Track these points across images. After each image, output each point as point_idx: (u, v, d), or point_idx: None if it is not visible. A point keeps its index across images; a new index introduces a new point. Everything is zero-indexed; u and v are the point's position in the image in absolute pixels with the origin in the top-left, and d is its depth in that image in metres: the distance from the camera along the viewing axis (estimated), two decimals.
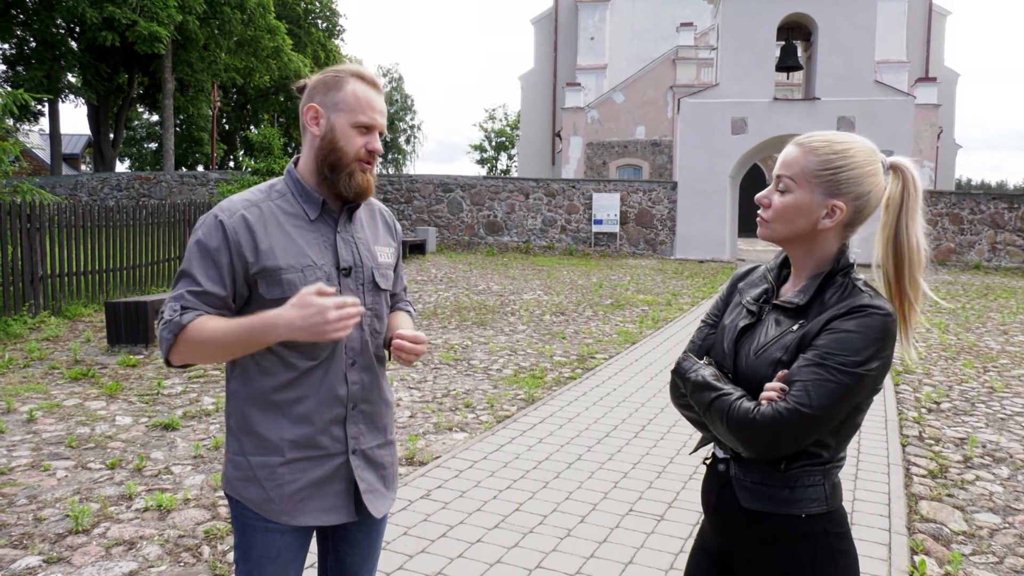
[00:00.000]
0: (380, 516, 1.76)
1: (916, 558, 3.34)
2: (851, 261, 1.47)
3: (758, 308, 1.54)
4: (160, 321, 1.59)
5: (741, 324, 1.53)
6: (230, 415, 1.71)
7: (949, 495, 4.16)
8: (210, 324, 1.54)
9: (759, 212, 1.52)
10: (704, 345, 1.61)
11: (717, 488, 1.54)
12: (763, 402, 1.37)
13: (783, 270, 1.58)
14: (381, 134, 1.71)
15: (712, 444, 1.59)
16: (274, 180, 1.74)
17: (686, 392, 1.52)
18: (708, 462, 1.61)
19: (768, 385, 1.39)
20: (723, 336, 1.57)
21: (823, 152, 1.44)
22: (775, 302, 1.51)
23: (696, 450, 1.70)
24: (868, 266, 1.52)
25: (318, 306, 1.45)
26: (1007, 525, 3.78)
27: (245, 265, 1.60)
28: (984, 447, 5.02)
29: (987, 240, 19.13)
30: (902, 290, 1.46)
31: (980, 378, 7.08)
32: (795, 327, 1.43)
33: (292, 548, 1.71)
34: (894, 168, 1.47)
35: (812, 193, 1.44)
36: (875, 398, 5.16)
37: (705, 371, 1.49)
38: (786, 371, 1.39)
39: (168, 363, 1.61)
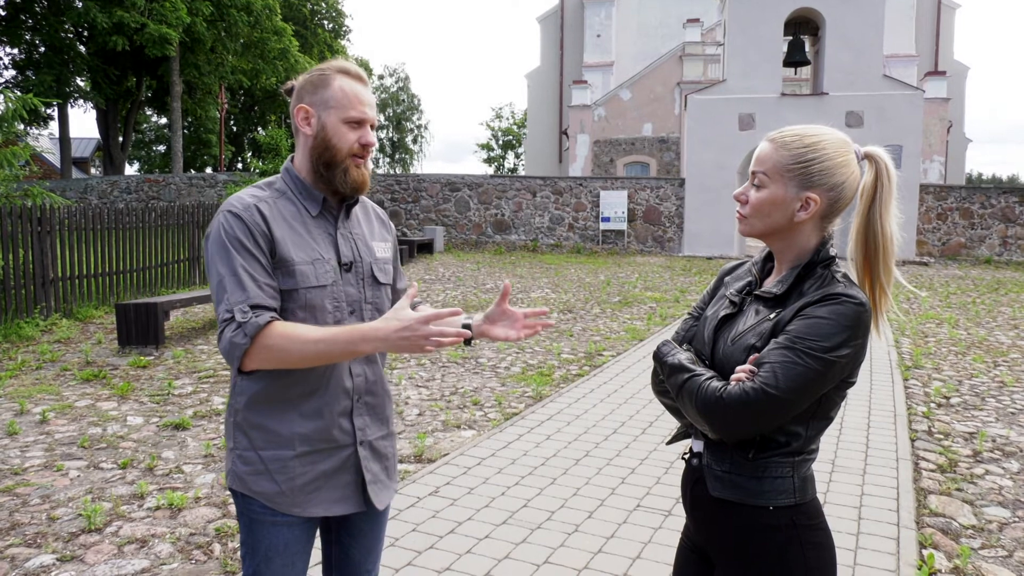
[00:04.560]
0: (383, 507, 1.79)
1: (925, 552, 3.34)
2: (832, 254, 1.49)
3: (740, 299, 1.57)
4: (226, 327, 1.54)
5: (722, 314, 1.57)
6: (237, 411, 1.71)
7: (958, 489, 4.15)
8: (298, 329, 1.54)
9: (737, 208, 1.55)
10: (687, 336, 1.65)
11: (692, 482, 1.58)
12: (732, 383, 1.40)
13: (767, 264, 1.61)
14: (373, 126, 1.72)
15: (690, 439, 1.62)
16: (271, 179, 1.76)
17: (664, 376, 1.55)
18: (686, 457, 1.63)
19: (739, 367, 1.42)
20: (705, 325, 1.60)
21: (794, 146, 1.47)
22: (756, 292, 1.55)
23: (671, 441, 1.72)
24: (844, 259, 1.55)
25: (411, 318, 1.48)
26: (1017, 519, 3.77)
27: (271, 249, 1.62)
28: (994, 441, 4.99)
29: (998, 234, 19.00)
30: (874, 278, 1.49)
31: (990, 372, 7.04)
32: (772, 315, 1.46)
33: (299, 540, 1.74)
34: (868, 158, 1.49)
35: (786, 187, 1.47)
36: (884, 393, 5.12)
37: (681, 355, 1.53)
38: (757, 355, 1.41)
39: (240, 371, 1.58)
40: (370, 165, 1.75)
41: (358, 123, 1.68)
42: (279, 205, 1.69)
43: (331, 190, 1.72)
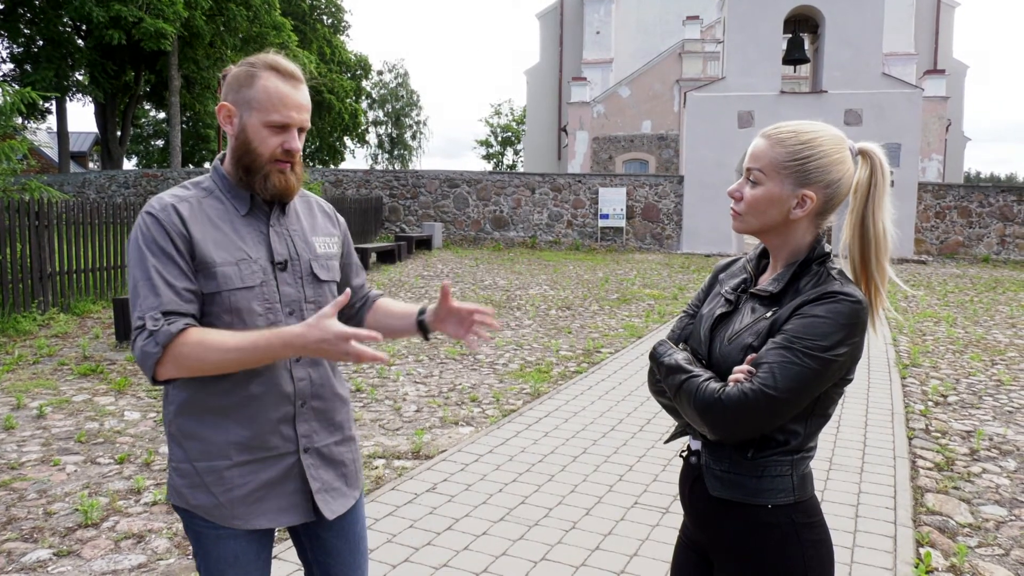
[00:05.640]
0: (333, 516, 1.69)
1: (922, 550, 3.34)
2: (827, 250, 1.49)
3: (735, 297, 1.56)
4: (138, 335, 1.46)
5: (718, 312, 1.56)
6: (171, 422, 1.62)
7: (955, 488, 4.15)
8: (213, 335, 1.47)
9: (731, 205, 1.53)
10: (683, 334, 1.64)
11: (690, 481, 1.57)
12: (730, 384, 1.38)
13: (762, 260, 1.60)
14: (301, 130, 1.61)
15: (688, 436, 1.61)
16: (199, 177, 1.67)
17: (660, 377, 1.54)
18: (684, 455, 1.63)
19: (736, 368, 1.41)
20: (700, 324, 1.59)
21: (790, 143, 1.45)
22: (752, 290, 1.54)
23: (669, 440, 1.71)
24: (838, 256, 1.55)
25: (331, 331, 1.41)
26: (1013, 518, 3.78)
27: (189, 250, 1.54)
28: (991, 440, 5.00)
29: (996, 233, 19.02)
30: (868, 275, 1.48)
31: (988, 371, 7.05)
32: (768, 314, 1.45)
33: (250, 551, 1.65)
34: (863, 153, 1.48)
35: (782, 184, 1.45)
36: (881, 391, 5.13)
37: (679, 355, 1.52)
38: (755, 355, 1.40)
39: (154, 380, 1.49)
40: (299, 170, 1.64)
41: (282, 127, 1.57)
42: (204, 204, 1.60)
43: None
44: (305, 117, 1.61)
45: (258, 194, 1.62)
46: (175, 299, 1.49)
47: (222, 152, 1.69)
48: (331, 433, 1.72)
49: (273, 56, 1.61)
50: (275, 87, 1.56)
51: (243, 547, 1.63)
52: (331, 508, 1.69)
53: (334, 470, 1.72)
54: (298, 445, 1.65)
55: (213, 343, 1.45)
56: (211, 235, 1.57)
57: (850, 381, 1.46)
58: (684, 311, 1.70)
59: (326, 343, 1.40)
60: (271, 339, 1.44)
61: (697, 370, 1.46)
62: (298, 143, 1.60)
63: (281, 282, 1.63)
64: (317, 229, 1.76)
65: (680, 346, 1.59)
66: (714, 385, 1.40)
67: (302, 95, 1.61)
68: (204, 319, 1.56)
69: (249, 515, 1.61)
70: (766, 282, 1.53)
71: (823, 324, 1.35)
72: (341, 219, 1.87)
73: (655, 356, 1.57)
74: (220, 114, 1.60)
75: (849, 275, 1.48)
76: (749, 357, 1.41)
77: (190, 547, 3.25)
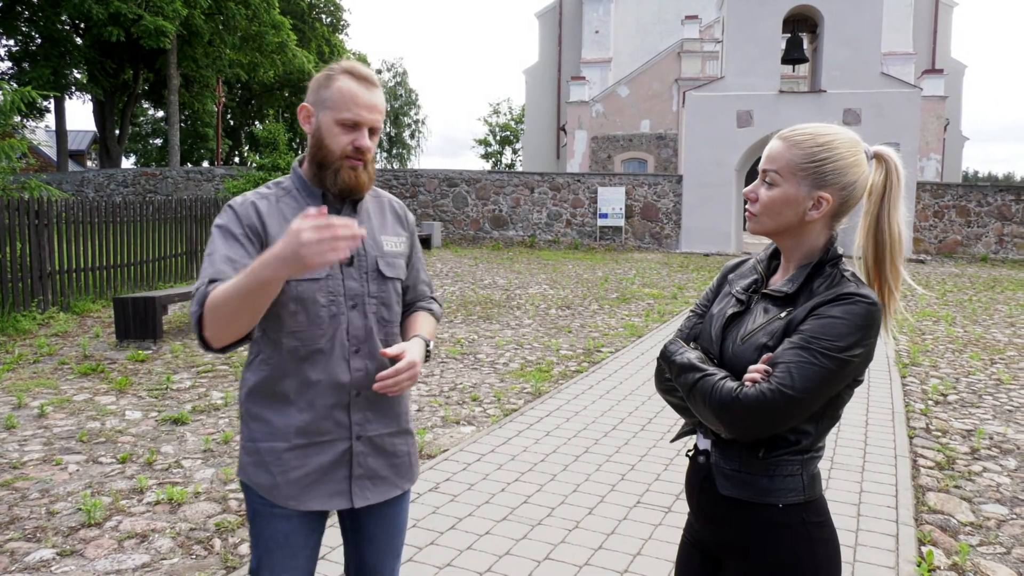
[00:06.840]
0: (360, 505, 1.75)
1: (924, 549, 3.35)
2: (839, 252, 1.50)
3: (747, 297, 1.57)
4: (192, 303, 1.60)
5: (729, 312, 1.56)
6: (242, 403, 1.77)
7: (956, 486, 4.16)
8: (222, 284, 1.52)
9: (747, 207, 1.55)
10: (692, 333, 1.65)
11: (699, 480, 1.57)
12: (746, 383, 1.39)
13: (773, 261, 1.61)
14: (374, 130, 1.69)
15: (695, 435, 1.62)
16: (282, 178, 1.79)
17: (671, 376, 1.55)
18: (690, 454, 1.63)
19: (752, 367, 1.42)
20: (711, 324, 1.59)
21: (807, 145, 1.47)
22: (764, 291, 1.54)
23: (676, 438, 1.72)
24: (851, 257, 1.55)
25: (293, 230, 1.32)
26: (1014, 516, 3.79)
27: (260, 241, 1.65)
28: (991, 439, 5.01)
29: (994, 232, 19.05)
30: (882, 277, 1.49)
31: (987, 370, 7.07)
32: (782, 314, 1.46)
33: (300, 533, 1.73)
34: (878, 157, 1.50)
35: (798, 186, 1.47)
36: (882, 390, 5.12)
37: (691, 354, 1.52)
38: (771, 354, 1.41)
39: (207, 346, 1.53)
40: (371, 169, 1.72)
41: (353, 125, 1.66)
42: (282, 203, 1.71)
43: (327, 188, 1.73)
44: (376, 118, 1.69)
45: (328, 190, 1.70)
46: (225, 269, 1.58)
47: (302, 155, 1.79)
48: (386, 424, 1.79)
49: (351, 62, 1.71)
50: (348, 87, 1.66)
51: (295, 528, 1.72)
52: (364, 496, 1.76)
53: (385, 459, 1.79)
54: (351, 432, 1.73)
55: (219, 291, 1.49)
56: (283, 230, 1.63)
57: (860, 383, 1.47)
58: (692, 310, 1.70)
59: (301, 244, 1.31)
60: (253, 265, 1.41)
61: (711, 369, 1.46)
62: (368, 141, 1.68)
63: (347, 276, 1.72)
64: (387, 228, 1.83)
65: (691, 345, 1.59)
66: (731, 384, 1.40)
67: (375, 96, 1.69)
68: (272, 307, 1.61)
69: (302, 496, 1.70)
70: (779, 283, 1.53)
71: (840, 325, 1.36)
72: (411, 218, 1.94)
73: (667, 355, 1.57)
74: (300, 115, 1.72)
75: (862, 277, 1.49)
76: (765, 356, 1.42)
77: (194, 546, 3.27)
